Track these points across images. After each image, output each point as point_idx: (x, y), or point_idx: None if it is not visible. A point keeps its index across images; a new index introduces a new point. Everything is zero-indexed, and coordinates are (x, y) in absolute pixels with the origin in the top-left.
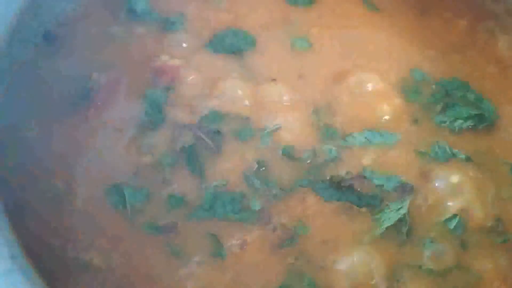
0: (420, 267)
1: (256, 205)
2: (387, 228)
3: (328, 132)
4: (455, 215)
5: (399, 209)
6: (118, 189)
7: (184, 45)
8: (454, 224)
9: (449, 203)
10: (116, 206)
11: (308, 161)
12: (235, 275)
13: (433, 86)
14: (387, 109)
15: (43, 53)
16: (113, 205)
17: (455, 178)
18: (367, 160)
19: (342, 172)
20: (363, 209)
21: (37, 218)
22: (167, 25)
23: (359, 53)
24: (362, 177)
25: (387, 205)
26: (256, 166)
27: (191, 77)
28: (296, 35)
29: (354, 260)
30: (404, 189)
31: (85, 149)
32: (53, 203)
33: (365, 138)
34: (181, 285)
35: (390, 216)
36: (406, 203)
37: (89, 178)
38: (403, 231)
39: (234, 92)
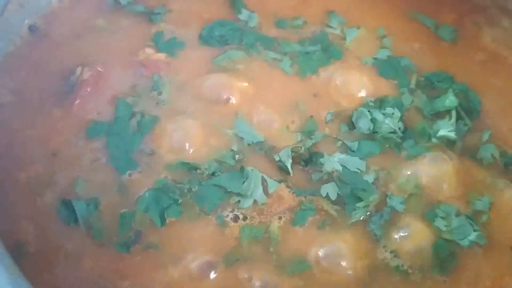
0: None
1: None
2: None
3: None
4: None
5: (364, 206)
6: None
7: (169, 37)
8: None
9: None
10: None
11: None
12: None
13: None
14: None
15: (28, 45)
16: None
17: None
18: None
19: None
20: (336, 206)
21: (10, 211)
22: (152, 17)
23: None
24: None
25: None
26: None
27: (176, 71)
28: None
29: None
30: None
31: (66, 142)
32: (28, 196)
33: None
34: None
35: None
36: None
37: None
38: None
39: (219, 86)
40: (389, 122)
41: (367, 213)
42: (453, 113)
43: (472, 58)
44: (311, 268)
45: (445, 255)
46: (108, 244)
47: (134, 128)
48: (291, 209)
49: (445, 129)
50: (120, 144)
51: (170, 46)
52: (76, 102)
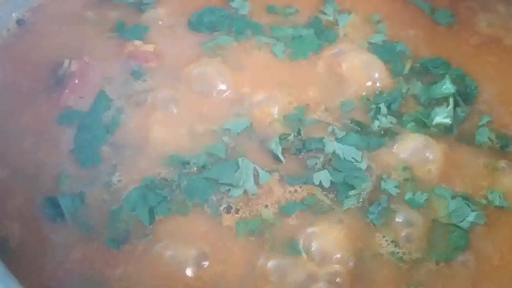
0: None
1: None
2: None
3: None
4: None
5: (357, 194)
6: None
7: (159, 27)
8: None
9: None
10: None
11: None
12: None
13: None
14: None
15: (16, 38)
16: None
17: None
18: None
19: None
20: (331, 195)
21: None
22: (142, 7)
23: None
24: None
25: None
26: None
27: (165, 61)
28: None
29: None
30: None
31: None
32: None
33: None
34: None
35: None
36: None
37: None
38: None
39: (210, 75)
40: (381, 125)
41: (360, 201)
42: (451, 100)
43: (468, 42)
44: (301, 255)
45: (444, 240)
46: (98, 238)
47: (108, 122)
48: (279, 202)
49: (441, 116)
50: (88, 136)
51: (134, 32)
52: (64, 94)
